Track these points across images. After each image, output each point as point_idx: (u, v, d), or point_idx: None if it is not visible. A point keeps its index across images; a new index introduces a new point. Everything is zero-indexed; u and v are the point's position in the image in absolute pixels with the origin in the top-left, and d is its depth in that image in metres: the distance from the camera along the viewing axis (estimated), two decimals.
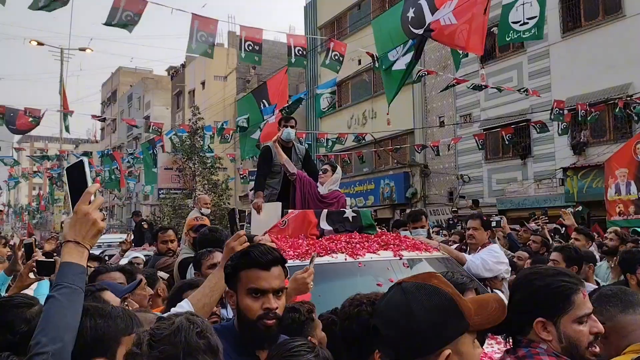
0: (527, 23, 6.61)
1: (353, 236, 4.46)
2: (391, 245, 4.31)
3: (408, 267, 4.03)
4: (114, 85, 58.30)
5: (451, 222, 16.51)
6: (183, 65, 45.61)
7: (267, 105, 10.53)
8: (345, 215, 4.76)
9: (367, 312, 2.17)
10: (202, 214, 6.79)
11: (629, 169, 11.64)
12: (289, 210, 4.89)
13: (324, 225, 4.63)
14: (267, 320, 2.05)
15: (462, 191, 20.71)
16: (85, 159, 1.97)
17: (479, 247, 4.95)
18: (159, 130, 16.11)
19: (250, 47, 7.81)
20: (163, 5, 7.28)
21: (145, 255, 6.52)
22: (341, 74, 11.20)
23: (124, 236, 12.51)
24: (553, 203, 16.30)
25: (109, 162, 19.13)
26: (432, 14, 6.23)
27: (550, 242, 6.99)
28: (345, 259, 3.98)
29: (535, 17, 6.56)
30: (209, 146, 16.66)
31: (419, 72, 9.75)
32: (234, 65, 37.82)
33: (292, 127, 5.88)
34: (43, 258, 3.26)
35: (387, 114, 8.17)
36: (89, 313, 1.70)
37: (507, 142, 16.07)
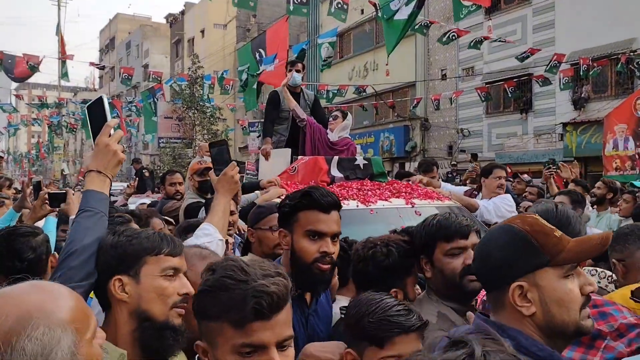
0: None
1: (365, 183, 4.44)
2: (403, 193, 4.27)
3: (420, 214, 3.90)
4: (112, 33, 57.34)
5: (450, 175, 16.60)
6: (182, 13, 44.80)
7: (264, 55, 10.33)
8: (356, 163, 4.73)
9: (382, 253, 2.19)
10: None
11: (629, 125, 11.64)
12: (299, 157, 4.82)
13: (335, 172, 4.60)
14: (322, 264, 2.02)
15: (461, 145, 20.74)
16: (105, 95, 2.04)
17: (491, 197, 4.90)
18: (159, 79, 15.99)
19: None
20: None
21: (152, 201, 6.52)
22: (343, 24, 11.03)
23: (124, 184, 12.33)
24: (551, 158, 16.35)
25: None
26: None
27: (547, 193, 7.04)
28: (357, 206, 3.94)
29: None
30: (208, 95, 16.56)
31: (420, 22, 9.59)
32: (234, 13, 37.10)
33: (297, 71, 5.70)
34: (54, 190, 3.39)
35: (387, 64, 8.09)
36: (116, 233, 1.73)
37: (509, 95, 15.98)
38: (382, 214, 3.94)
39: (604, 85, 16.20)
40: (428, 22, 9.80)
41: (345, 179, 4.58)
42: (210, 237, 2.26)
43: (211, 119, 29.38)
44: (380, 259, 2.18)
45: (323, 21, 25.97)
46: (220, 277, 1.33)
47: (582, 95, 16.45)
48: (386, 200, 4.12)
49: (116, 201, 8.23)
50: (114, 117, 2.00)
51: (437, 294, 2.14)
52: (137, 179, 7.98)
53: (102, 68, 24.81)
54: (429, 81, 21.98)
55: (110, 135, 1.88)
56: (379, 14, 7.60)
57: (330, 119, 5.40)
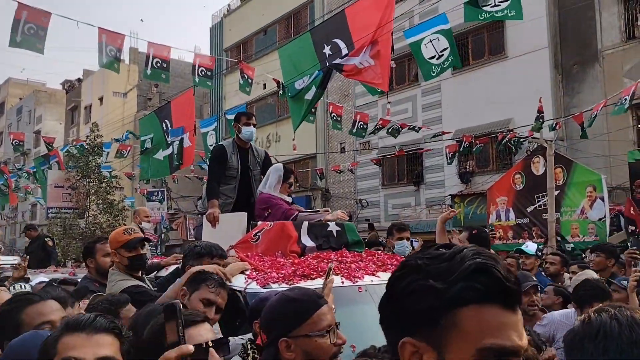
0: (442, 55, 6.93)
1: (344, 254, 3.82)
2: (389, 266, 3.68)
3: None
4: (2, 97, 54.67)
5: None
6: (79, 80, 43.85)
7: (169, 126, 10.18)
8: (329, 229, 4.10)
9: None
10: (141, 229, 5.46)
11: (508, 197, 12.80)
12: (259, 222, 4.11)
13: (306, 240, 3.95)
14: None
15: (360, 215, 21.54)
16: (179, 303, 1.57)
17: None
18: (51, 145, 15.36)
19: (158, 65, 7.66)
20: (68, 18, 6.97)
21: (50, 278, 5.23)
22: (247, 97, 11.46)
23: (13, 258, 10.33)
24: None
25: None
26: (349, 51, 6.57)
27: None
28: (342, 283, 3.26)
29: (447, 47, 6.90)
30: (107, 164, 16.14)
31: (331, 113, 10.28)
32: (134, 82, 36.93)
33: (254, 125, 5.12)
34: None
35: (293, 139, 8.47)
36: None
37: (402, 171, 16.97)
38: (372, 291, 3.24)
39: (486, 160, 17.74)
40: (335, 115, 10.45)
41: (318, 248, 3.94)
42: None
43: (108, 189, 28.43)
44: None
45: (226, 93, 26.54)
46: None
47: (468, 169, 17.89)
48: (373, 274, 3.49)
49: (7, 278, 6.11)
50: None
51: None
52: (26, 256, 6.38)
53: None
54: (329, 153, 22.90)
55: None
56: (284, 92, 7.99)
57: (288, 185, 4.77)
